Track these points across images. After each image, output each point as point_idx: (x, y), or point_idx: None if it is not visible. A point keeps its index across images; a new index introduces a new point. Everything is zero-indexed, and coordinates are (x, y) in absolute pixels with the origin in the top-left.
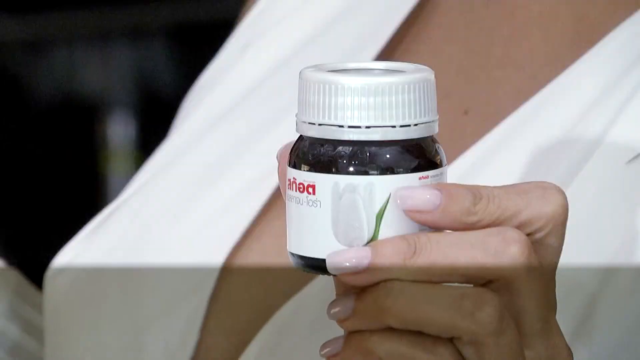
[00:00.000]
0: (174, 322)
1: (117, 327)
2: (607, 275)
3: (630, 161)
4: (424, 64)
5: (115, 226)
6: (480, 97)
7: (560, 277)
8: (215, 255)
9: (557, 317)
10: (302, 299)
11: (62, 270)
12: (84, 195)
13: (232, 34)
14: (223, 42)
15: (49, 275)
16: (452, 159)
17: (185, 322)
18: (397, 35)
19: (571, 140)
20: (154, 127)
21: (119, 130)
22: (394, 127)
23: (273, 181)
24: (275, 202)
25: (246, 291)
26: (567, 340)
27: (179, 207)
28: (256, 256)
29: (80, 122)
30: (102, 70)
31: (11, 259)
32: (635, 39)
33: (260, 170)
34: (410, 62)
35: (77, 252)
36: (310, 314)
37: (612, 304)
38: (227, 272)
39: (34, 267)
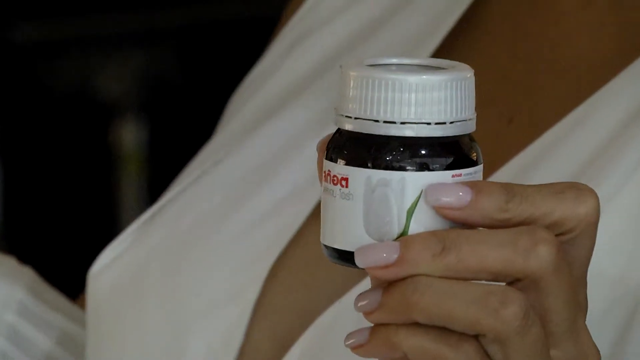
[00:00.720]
0: (218, 324)
1: (160, 328)
2: None
3: None
4: (464, 65)
5: (160, 226)
6: (525, 105)
7: (606, 285)
8: (261, 259)
9: (600, 325)
10: (344, 304)
11: (105, 269)
12: (98, 195)
13: (277, 34)
14: (236, 44)
15: (91, 274)
16: (495, 168)
17: (229, 324)
18: (446, 39)
19: (617, 150)
20: (163, 131)
21: (131, 133)
22: (429, 124)
23: (320, 186)
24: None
25: (290, 296)
26: (609, 348)
27: (225, 209)
28: (301, 261)
29: (94, 123)
30: (116, 73)
31: (25, 258)
32: None
33: (308, 174)
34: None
35: (120, 251)
36: (351, 319)
37: None
38: (272, 276)
39: (48, 266)
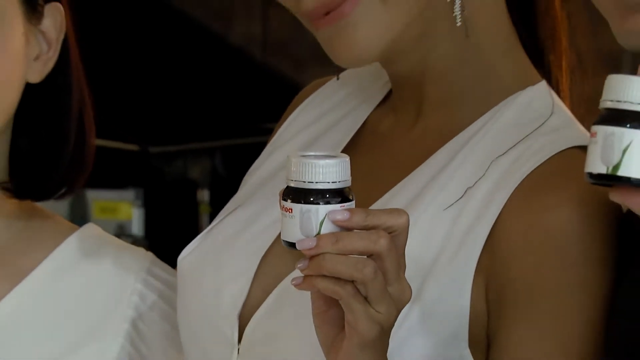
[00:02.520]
0: (237, 284)
1: (209, 287)
2: (434, 264)
3: (445, 209)
4: (345, 155)
5: (212, 235)
6: (379, 183)
7: (412, 260)
8: (258, 252)
9: (410, 282)
10: (297, 272)
11: (186, 257)
12: (190, 222)
13: (266, 146)
14: (245, 159)
15: (179, 259)
16: (366, 206)
17: (242, 284)
18: (344, 150)
19: (419, 200)
20: (219, 194)
21: (204, 196)
22: (328, 182)
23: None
24: None
25: (272, 268)
26: (412, 298)
27: (241, 229)
28: (278, 252)
29: (189, 193)
30: (197, 170)
31: (159, 251)
32: (459, 146)
33: (276, 217)
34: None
35: (192, 248)
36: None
37: (436, 277)
38: (263, 260)
39: (166, 254)
